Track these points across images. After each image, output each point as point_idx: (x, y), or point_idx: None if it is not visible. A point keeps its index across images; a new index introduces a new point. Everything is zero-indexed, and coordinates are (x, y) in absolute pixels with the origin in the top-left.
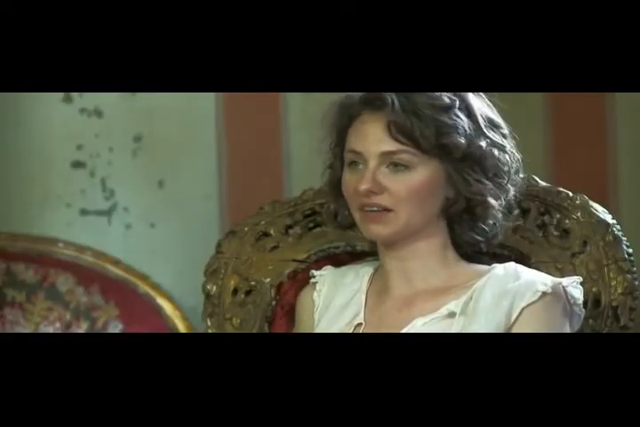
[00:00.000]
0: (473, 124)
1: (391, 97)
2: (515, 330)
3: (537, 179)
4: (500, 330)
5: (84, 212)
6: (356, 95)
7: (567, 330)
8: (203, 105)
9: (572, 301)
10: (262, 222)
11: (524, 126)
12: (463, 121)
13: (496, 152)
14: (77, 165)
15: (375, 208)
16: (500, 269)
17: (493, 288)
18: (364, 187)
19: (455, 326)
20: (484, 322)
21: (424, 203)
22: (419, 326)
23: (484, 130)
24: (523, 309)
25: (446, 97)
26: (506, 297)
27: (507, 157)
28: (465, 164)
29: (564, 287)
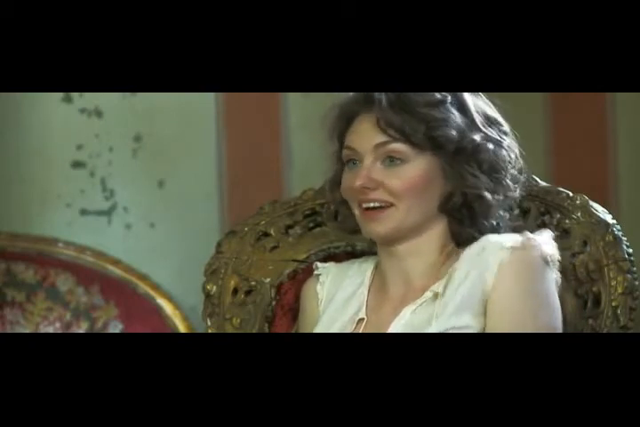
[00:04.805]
0: (466, 118)
1: (378, 95)
2: (496, 291)
3: (537, 179)
4: (479, 296)
5: (84, 212)
6: (351, 97)
7: (551, 282)
8: (203, 105)
9: (549, 260)
10: (262, 222)
11: (525, 126)
12: (455, 115)
13: (491, 146)
14: (77, 165)
15: (372, 204)
16: (475, 243)
17: (467, 258)
18: (358, 183)
19: (437, 306)
20: (461, 292)
21: (421, 197)
22: (408, 314)
23: (479, 125)
24: (498, 268)
25: (437, 93)
26: (478, 263)
27: (503, 152)
28: (459, 157)
29: (536, 241)
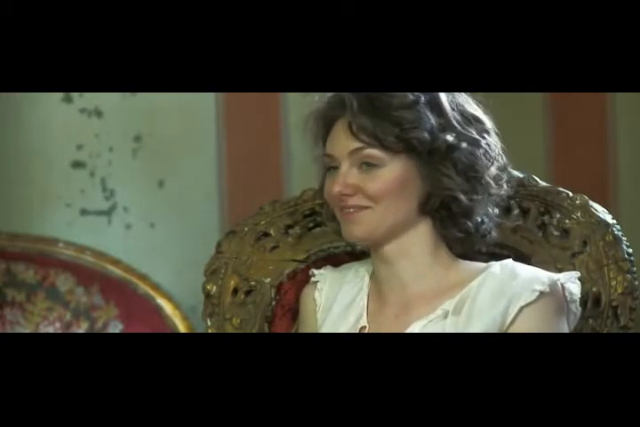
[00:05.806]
0: (440, 118)
1: (349, 98)
2: (512, 330)
3: (537, 179)
4: (496, 329)
5: (84, 212)
6: (326, 101)
7: (565, 328)
8: (203, 105)
9: (569, 298)
10: (262, 222)
11: (524, 126)
12: (427, 116)
13: (465, 145)
14: (77, 165)
15: (352, 209)
16: (496, 267)
17: (491, 287)
18: (336, 190)
19: (448, 326)
20: (480, 321)
21: (398, 199)
22: (417, 329)
23: (454, 124)
24: (521, 308)
25: (410, 94)
26: (503, 297)
27: (480, 150)
28: (433, 159)
29: (561, 284)
